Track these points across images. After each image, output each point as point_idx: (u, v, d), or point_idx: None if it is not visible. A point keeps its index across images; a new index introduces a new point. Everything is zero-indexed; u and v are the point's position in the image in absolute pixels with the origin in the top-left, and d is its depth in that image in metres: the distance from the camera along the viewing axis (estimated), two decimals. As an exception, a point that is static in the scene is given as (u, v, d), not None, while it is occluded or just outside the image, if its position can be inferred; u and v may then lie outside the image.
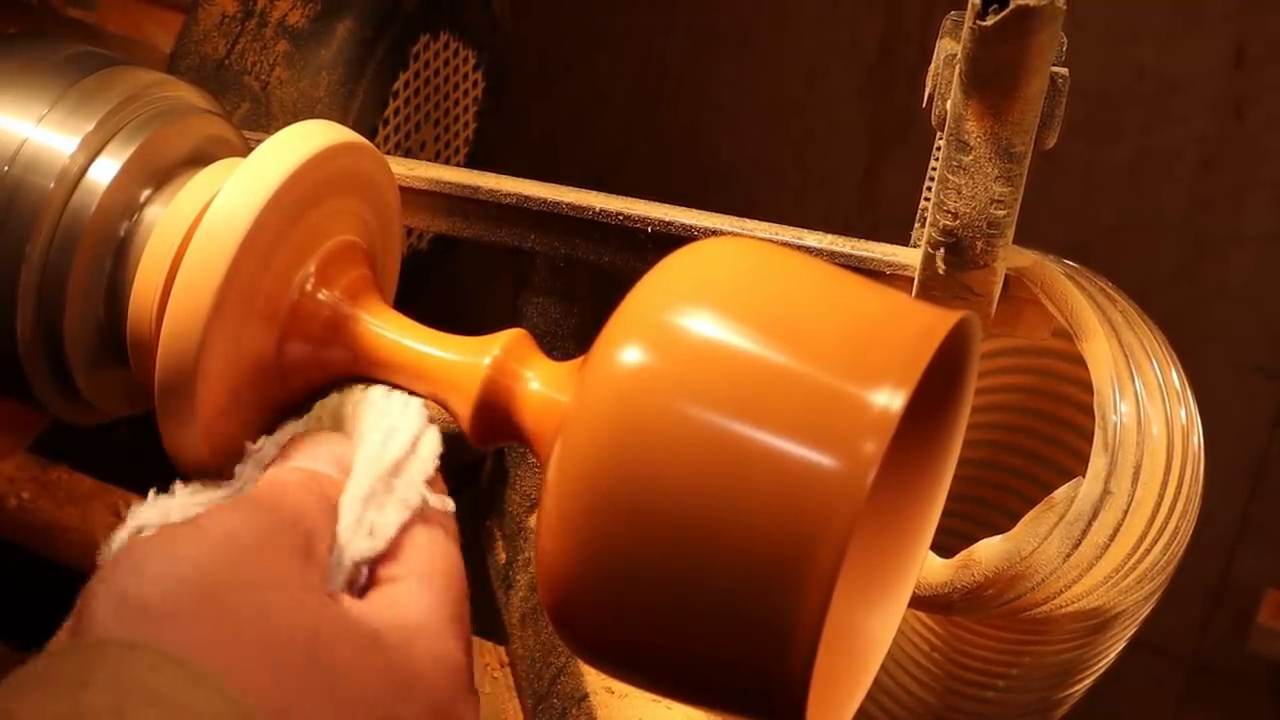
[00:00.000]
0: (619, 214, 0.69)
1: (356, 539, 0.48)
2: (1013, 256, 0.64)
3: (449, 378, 0.53)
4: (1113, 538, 0.62)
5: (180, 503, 0.50)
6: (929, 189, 0.63)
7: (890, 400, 0.43)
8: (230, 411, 0.53)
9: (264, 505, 0.47)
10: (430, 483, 0.50)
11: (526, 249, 0.71)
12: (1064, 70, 0.58)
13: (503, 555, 0.81)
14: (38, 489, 0.92)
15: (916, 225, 0.66)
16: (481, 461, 0.84)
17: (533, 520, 0.78)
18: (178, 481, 0.52)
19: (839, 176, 1.25)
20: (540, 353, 0.53)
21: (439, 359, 0.54)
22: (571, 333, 0.74)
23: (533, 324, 0.74)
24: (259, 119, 0.78)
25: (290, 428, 0.54)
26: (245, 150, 0.60)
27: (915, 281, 0.63)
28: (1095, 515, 0.61)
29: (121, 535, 0.47)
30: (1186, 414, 0.66)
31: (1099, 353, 0.63)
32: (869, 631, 0.53)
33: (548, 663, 0.76)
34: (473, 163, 0.91)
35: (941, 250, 0.61)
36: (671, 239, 0.67)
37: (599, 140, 1.31)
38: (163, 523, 0.48)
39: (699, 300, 0.46)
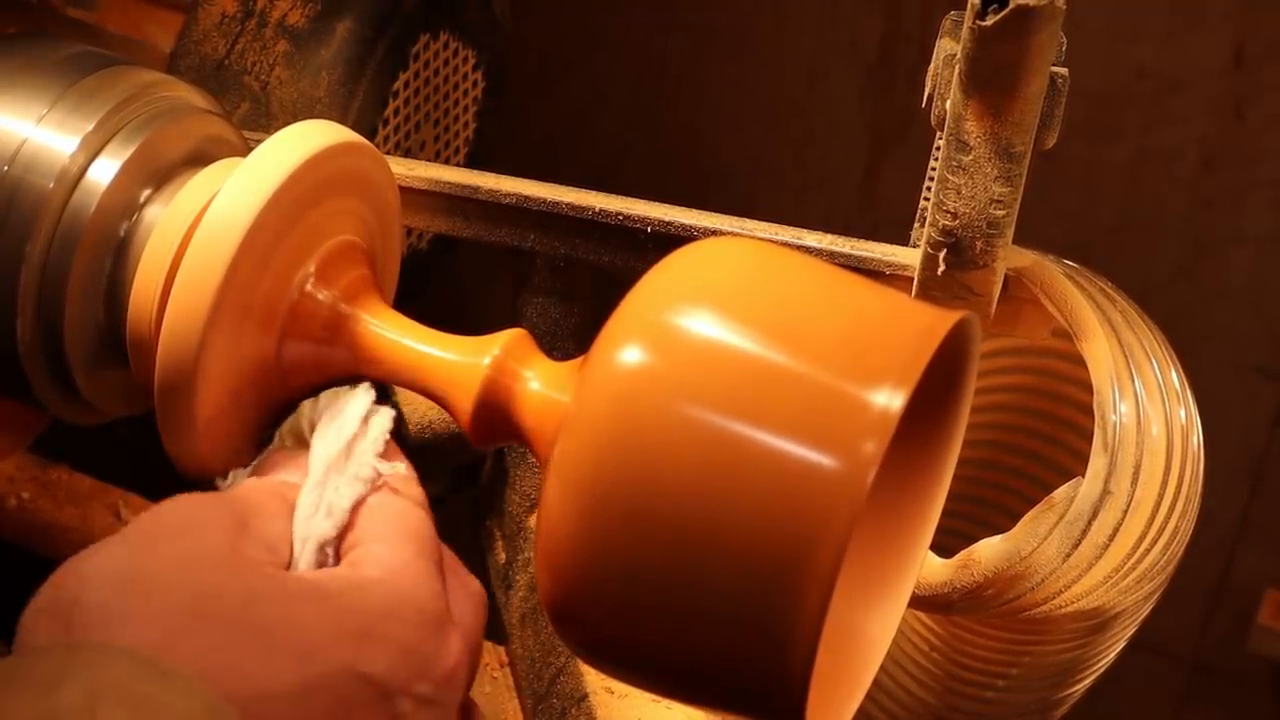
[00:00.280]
0: (619, 214, 0.69)
1: (315, 522, 0.49)
2: (1012, 256, 0.64)
3: (449, 377, 0.53)
4: (1112, 538, 0.62)
5: None
6: (928, 189, 0.63)
7: (890, 400, 0.43)
8: (230, 411, 0.53)
9: (196, 498, 0.48)
10: (383, 455, 0.52)
11: (526, 249, 0.71)
12: (1064, 70, 0.58)
13: (502, 555, 0.81)
14: (37, 489, 0.92)
15: (916, 225, 0.66)
16: (481, 461, 0.84)
17: (532, 520, 0.78)
18: None
19: (839, 176, 1.25)
20: (540, 353, 0.53)
21: (439, 359, 0.54)
22: (571, 333, 0.74)
23: (532, 324, 0.74)
24: (259, 119, 0.78)
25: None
26: (245, 150, 0.60)
27: (915, 281, 0.63)
28: (1095, 515, 0.61)
29: None
30: (1186, 414, 0.66)
31: (1099, 353, 0.63)
32: (869, 631, 0.53)
33: (547, 663, 0.76)
34: (472, 163, 0.91)
35: (941, 250, 0.61)
36: (671, 239, 0.67)
37: (599, 140, 1.31)
38: None
39: (699, 300, 0.46)
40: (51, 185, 0.56)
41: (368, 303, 0.56)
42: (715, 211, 0.69)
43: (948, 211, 0.60)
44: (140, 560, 0.44)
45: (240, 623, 0.43)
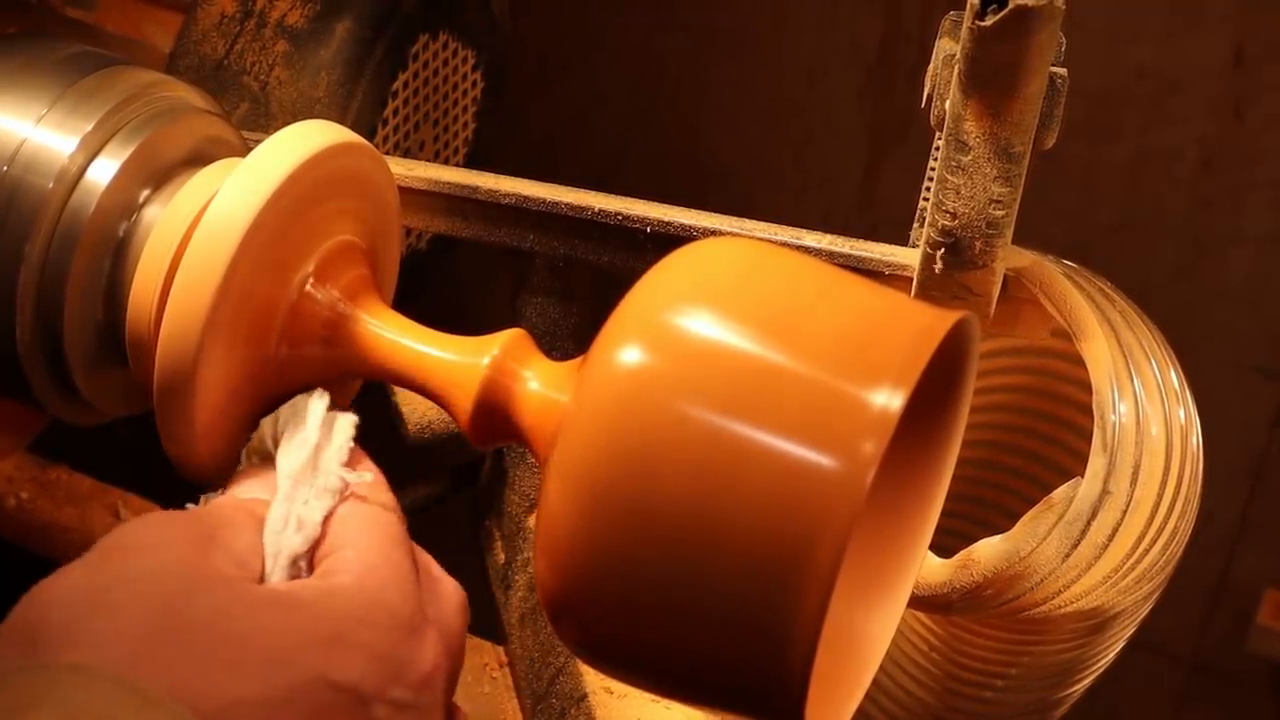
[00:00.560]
0: (618, 214, 0.69)
1: (286, 536, 0.48)
2: (1012, 256, 0.64)
3: (448, 378, 0.53)
4: (1111, 538, 0.62)
5: None
6: (928, 189, 0.63)
7: (889, 400, 0.43)
8: (229, 412, 0.53)
9: (162, 515, 0.47)
10: (349, 463, 0.51)
11: (525, 249, 0.71)
12: (1063, 70, 0.58)
13: (501, 555, 0.81)
14: (37, 489, 0.92)
15: (915, 225, 0.66)
16: (480, 462, 0.84)
17: (531, 520, 0.78)
18: None
19: (838, 177, 1.25)
20: (539, 353, 0.53)
21: (438, 359, 0.54)
22: (570, 333, 0.74)
23: (532, 324, 0.74)
24: (258, 119, 0.78)
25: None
26: (244, 150, 0.60)
27: (914, 281, 0.63)
28: (1094, 515, 0.61)
29: None
30: (1185, 414, 0.66)
31: (1098, 353, 0.63)
32: (868, 631, 0.53)
33: (546, 663, 0.76)
34: (472, 163, 0.91)
35: (940, 250, 0.61)
36: (670, 239, 0.67)
37: (598, 140, 1.31)
38: None
39: (698, 300, 0.46)
40: (51, 185, 0.56)
41: (367, 303, 0.56)
42: (714, 212, 0.69)
43: (947, 211, 0.60)
44: (103, 579, 0.43)
45: (207, 636, 0.42)
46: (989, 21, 0.52)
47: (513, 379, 0.52)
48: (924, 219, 0.64)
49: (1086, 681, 0.74)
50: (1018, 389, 0.78)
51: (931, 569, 0.63)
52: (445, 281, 0.91)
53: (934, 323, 0.46)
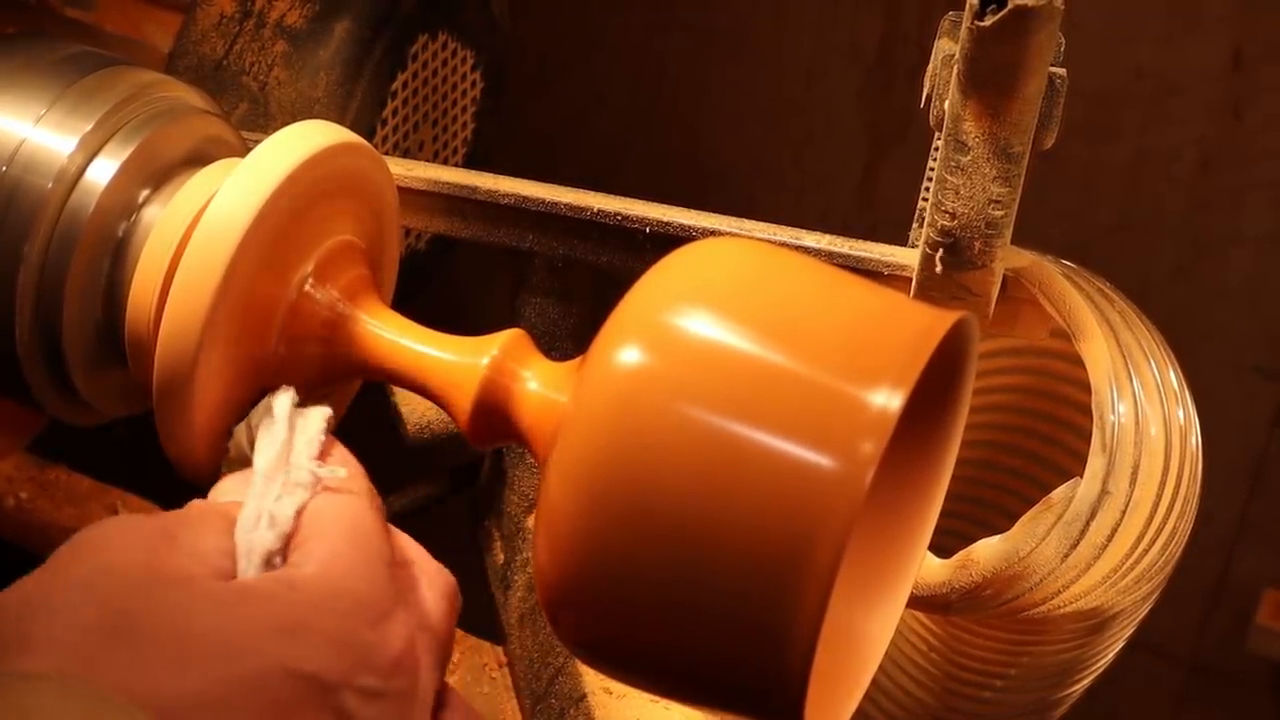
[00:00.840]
0: (617, 214, 0.69)
1: (259, 534, 0.47)
2: (1011, 257, 0.64)
3: (447, 378, 0.53)
4: (1111, 538, 0.62)
5: None
6: (927, 189, 0.63)
7: (888, 400, 0.43)
8: (228, 412, 0.53)
9: (119, 519, 0.47)
10: (323, 455, 0.50)
11: (525, 249, 0.71)
12: (1062, 71, 0.58)
13: (500, 556, 0.81)
14: (36, 489, 0.92)
15: (915, 225, 0.66)
16: (480, 462, 0.84)
17: (531, 520, 0.78)
18: None
19: (837, 177, 1.26)
20: (538, 353, 0.53)
21: (437, 359, 0.54)
22: (569, 333, 0.74)
23: (531, 324, 0.74)
24: (257, 119, 0.78)
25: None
26: (243, 150, 0.60)
27: (913, 282, 0.63)
28: (1093, 515, 0.61)
29: None
30: (1184, 414, 0.66)
31: (1097, 353, 0.63)
32: (867, 631, 0.53)
33: (546, 663, 0.76)
34: (471, 163, 0.91)
35: (939, 251, 0.61)
36: (670, 239, 0.67)
37: (597, 140, 1.31)
38: None
39: (697, 300, 0.46)
40: (50, 185, 0.56)
41: (366, 303, 0.56)
42: (714, 212, 0.69)
43: (946, 212, 0.60)
44: (54, 585, 0.43)
45: (158, 634, 0.41)
46: (988, 22, 0.52)
47: (512, 379, 0.52)
48: (923, 219, 0.64)
49: (1086, 682, 0.74)
50: (1017, 389, 0.78)
51: (931, 569, 0.63)
52: (444, 282, 0.91)
53: (933, 323, 0.46)
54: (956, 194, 0.59)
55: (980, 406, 0.77)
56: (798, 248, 0.66)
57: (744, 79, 1.25)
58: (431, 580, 0.50)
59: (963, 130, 0.58)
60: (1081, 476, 0.62)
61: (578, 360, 0.49)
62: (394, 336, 0.55)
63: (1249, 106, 1.12)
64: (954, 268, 0.61)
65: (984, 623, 0.72)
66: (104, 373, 0.59)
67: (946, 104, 0.59)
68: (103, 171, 0.56)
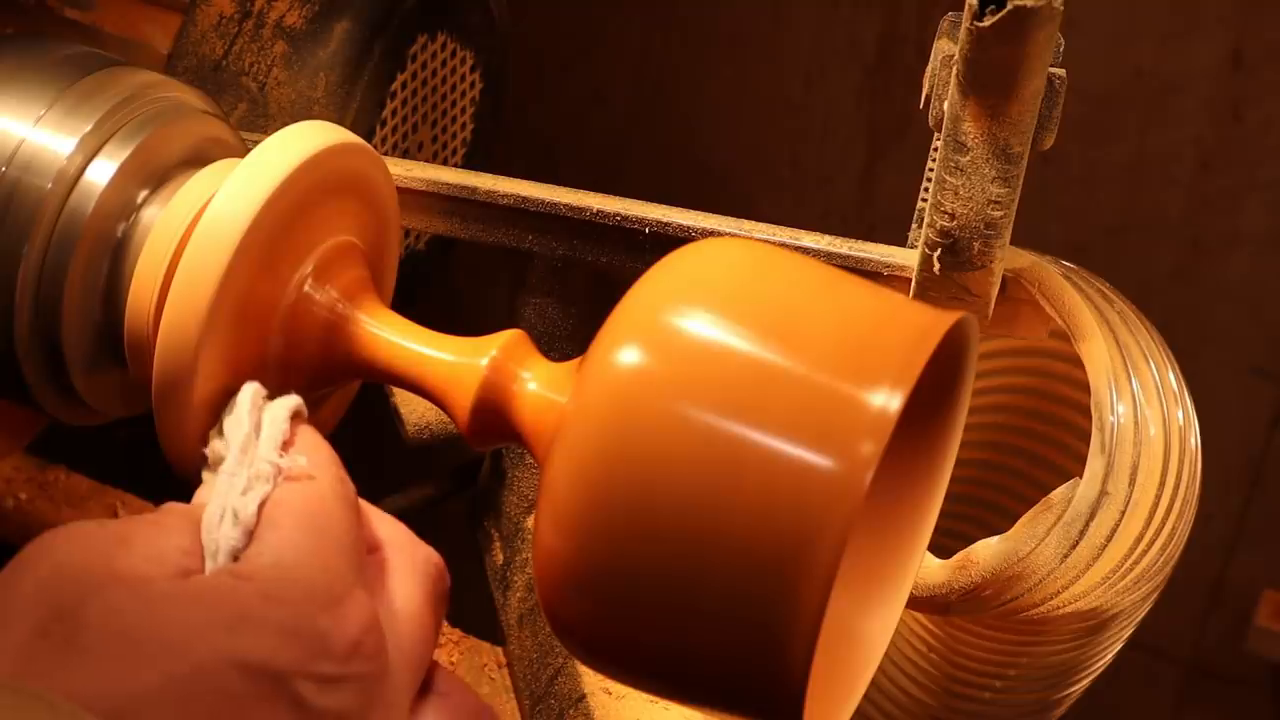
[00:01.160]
0: (617, 215, 0.69)
1: (224, 531, 0.47)
2: (1010, 257, 0.64)
3: (447, 378, 0.53)
4: (1110, 538, 0.62)
5: None
6: (926, 190, 0.63)
7: (888, 401, 0.43)
8: (228, 412, 0.53)
9: (72, 526, 0.46)
10: (285, 446, 0.49)
11: (524, 250, 0.71)
12: (1061, 71, 0.58)
13: (500, 556, 0.81)
14: (35, 489, 0.92)
15: (914, 226, 0.66)
16: (479, 462, 0.84)
17: (530, 521, 0.78)
18: None
19: (837, 177, 1.26)
20: (538, 353, 0.53)
21: (437, 360, 0.54)
22: (569, 333, 0.74)
23: (530, 325, 0.74)
24: (256, 120, 0.78)
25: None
26: (242, 151, 0.60)
27: (912, 282, 0.63)
28: (1093, 516, 0.61)
29: None
30: (1184, 415, 0.66)
31: (1096, 353, 0.63)
32: (866, 632, 0.53)
33: (545, 664, 0.76)
34: (470, 163, 0.91)
35: (939, 251, 0.61)
36: (669, 239, 0.67)
37: (597, 141, 1.31)
38: None
39: (696, 301, 0.46)
40: (49, 186, 0.56)
41: (366, 303, 0.56)
42: (713, 212, 0.69)
43: (945, 212, 0.60)
44: None
45: (102, 635, 0.41)
46: (987, 22, 0.52)
47: (511, 380, 0.52)
48: (922, 220, 0.64)
49: (1085, 682, 0.74)
50: (1016, 390, 0.78)
51: (930, 569, 0.63)
52: (444, 282, 0.91)
53: (932, 323, 0.46)
54: (955, 194, 0.59)
55: (980, 407, 0.77)
56: (797, 248, 0.66)
57: (744, 79, 1.25)
58: (410, 559, 0.49)
59: (962, 131, 0.58)
60: (1081, 477, 0.62)
61: (577, 361, 0.49)
62: (393, 337, 0.55)
63: (1249, 107, 1.13)
64: (953, 268, 0.61)
65: (984, 623, 0.72)
66: (103, 373, 0.59)
67: (946, 104, 0.59)
68: (102, 172, 0.56)
